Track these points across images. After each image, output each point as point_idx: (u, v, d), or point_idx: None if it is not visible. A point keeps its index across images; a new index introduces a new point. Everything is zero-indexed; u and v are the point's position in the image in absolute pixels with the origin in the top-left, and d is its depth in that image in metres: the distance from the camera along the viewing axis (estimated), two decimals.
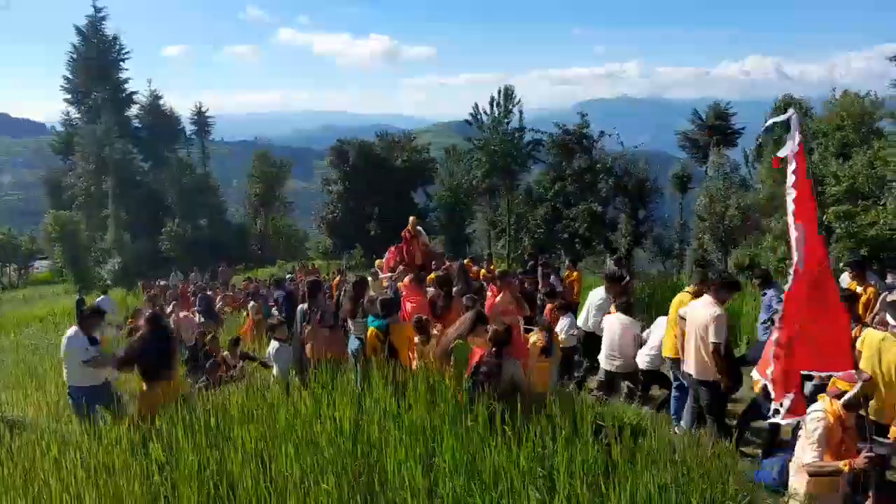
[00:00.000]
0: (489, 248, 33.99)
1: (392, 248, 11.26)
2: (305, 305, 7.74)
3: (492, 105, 29.62)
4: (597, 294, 9.36)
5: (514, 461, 4.62)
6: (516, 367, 5.80)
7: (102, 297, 19.07)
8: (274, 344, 7.65)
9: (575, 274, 12.42)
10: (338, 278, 16.43)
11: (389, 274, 10.40)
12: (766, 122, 30.42)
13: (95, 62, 49.04)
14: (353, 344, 7.19)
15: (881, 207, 17.20)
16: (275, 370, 7.44)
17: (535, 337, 7.50)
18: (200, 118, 53.27)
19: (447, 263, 10.58)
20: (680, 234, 31.81)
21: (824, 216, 19.21)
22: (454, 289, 8.22)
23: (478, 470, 4.65)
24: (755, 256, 21.60)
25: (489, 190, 33.68)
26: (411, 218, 10.24)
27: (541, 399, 5.62)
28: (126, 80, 50.83)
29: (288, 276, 20.47)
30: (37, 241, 51.60)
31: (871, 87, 22.74)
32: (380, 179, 40.67)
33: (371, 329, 6.71)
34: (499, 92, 29.69)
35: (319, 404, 5.77)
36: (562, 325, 8.88)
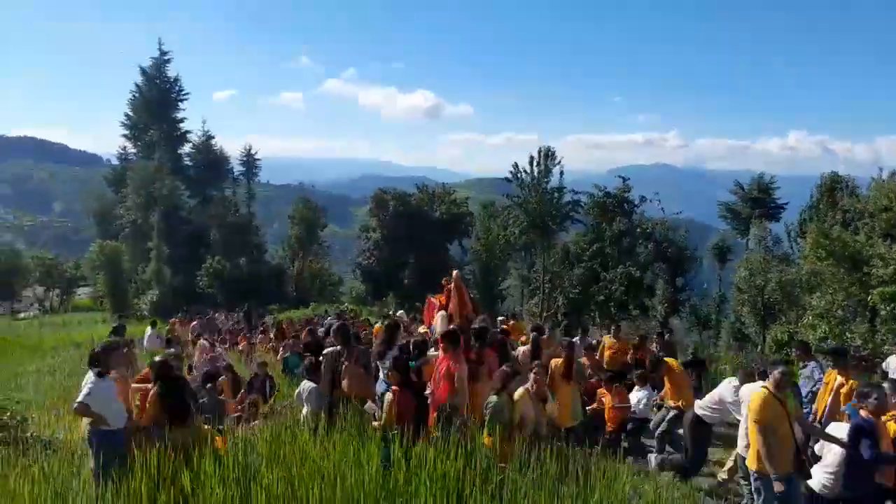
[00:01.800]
0: (521, 305, 33.84)
1: (431, 299, 10.82)
2: (335, 349, 7.72)
3: (531, 164, 29.99)
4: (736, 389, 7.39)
5: None
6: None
7: (150, 330, 18.06)
8: (307, 385, 7.67)
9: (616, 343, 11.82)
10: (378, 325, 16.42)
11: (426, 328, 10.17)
12: (811, 197, 30.34)
13: (156, 101, 51.27)
14: (381, 386, 7.19)
15: None
16: (305, 410, 7.43)
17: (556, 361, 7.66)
18: (249, 160, 54.98)
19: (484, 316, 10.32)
20: (717, 306, 31.26)
21: (869, 297, 18.72)
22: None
23: None
24: (794, 333, 21.00)
25: (525, 247, 33.77)
26: (455, 271, 10.08)
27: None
28: (182, 120, 53.01)
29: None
30: (81, 269, 53.11)
31: None
32: (417, 230, 41.09)
33: None
34: (539, 151, 30.09)
35: (348, 448, 5.74)
36: (639, 396, 9.03)
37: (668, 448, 8.91)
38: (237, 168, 55.12)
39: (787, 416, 5.76)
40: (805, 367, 8.78)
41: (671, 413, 8.79)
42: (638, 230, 28.47)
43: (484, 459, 5.35)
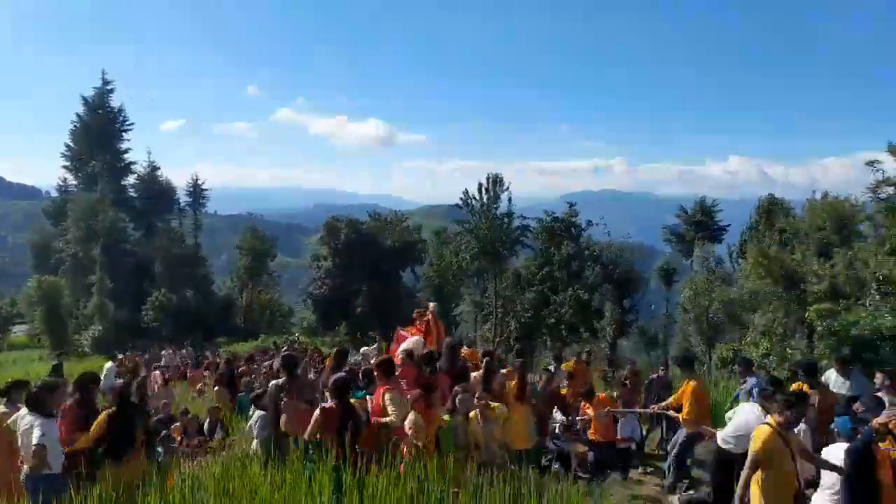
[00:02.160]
0: (475, 331, 33.94)
1: (401, 332, 10.50)
2: (281, 381, 7.63)
3: (480, 191, 30.40)
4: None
5: None
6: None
7: (110, 364, 16.75)
8: (257, 413, 7.53)
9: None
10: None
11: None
12: (750, 219, 31.46)
13: (98, 131, 50.06)
14: None
15: (861, 307, 17.43)
16: (254, 443, 7.29)
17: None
18: (196, 190, 54.03)
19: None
20: (665, 326, 31.97)
21: (807, 314, 19.43)
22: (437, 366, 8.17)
23: None
24: (738, 350, 21.65)
25: (477, 273, 34.02)
26: (432, 304, 10.01)
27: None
28: (126, 150, 51.85)
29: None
30: (17, 305, 50.91)
31: (849, 191, 23.55)
32: (369, 258, 40.91)
33: (354, 400, 6.66)
34: (487, 178, 30.52)
35: (298, 479, 5.64)
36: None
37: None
38: (184, 199, 54.11)
39: (792, 455, 5.50)
40: (745, 382, 9.03)
41: (683, 435, 8.53)
42: (586, 253, 29.05)
43: (436, 484, 5.32)
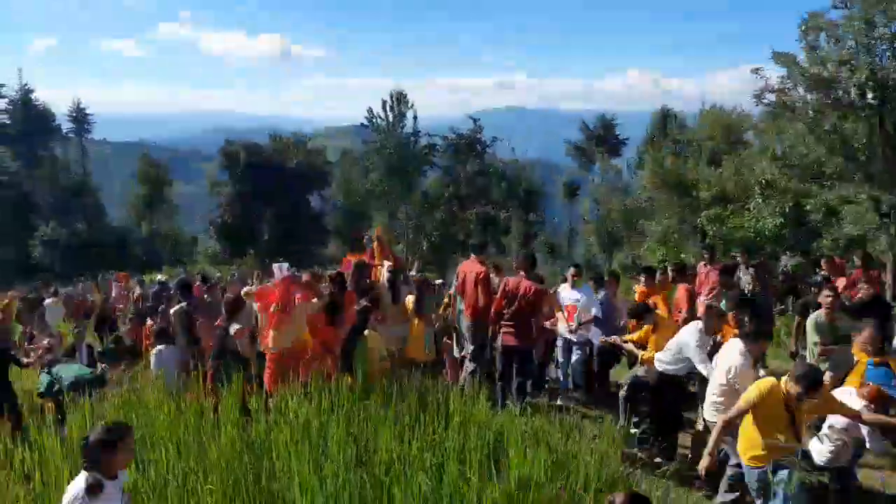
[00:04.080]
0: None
1: (348, 258, 10.04)
2: (182, 305, 7.50)
3: (385, 109, 29.77)
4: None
5: (406, 450, 4.65)
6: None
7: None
8: (158, 348, 7.31)
9: None
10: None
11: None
12: (646, 132, 32.60)
13: None
14: None
15: (747, 212, 18.65)
16: (155, 372, 7.08)
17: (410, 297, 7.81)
18: (79, 115, 49.98)
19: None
20: (568, 238, 33.13)
21: (698, 220, 20.60)
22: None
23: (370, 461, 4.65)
24: (637, 258, 22.88)
25: (386, 194, 33.78)
26: (378, 226, 9.66)
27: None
28: None
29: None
30: None
31: (739, 102, 24.67)
32: (273, 182, 39.65)
33: None
34: (391, 96, 29.87)
35: (203, 405, 5.56)
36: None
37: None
38: (67, 125, 50.03)
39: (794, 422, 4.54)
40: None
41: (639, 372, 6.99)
42: (491, 170, 29.35)
43: (344, 399, 5.38)
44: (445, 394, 5.71)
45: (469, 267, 7.43)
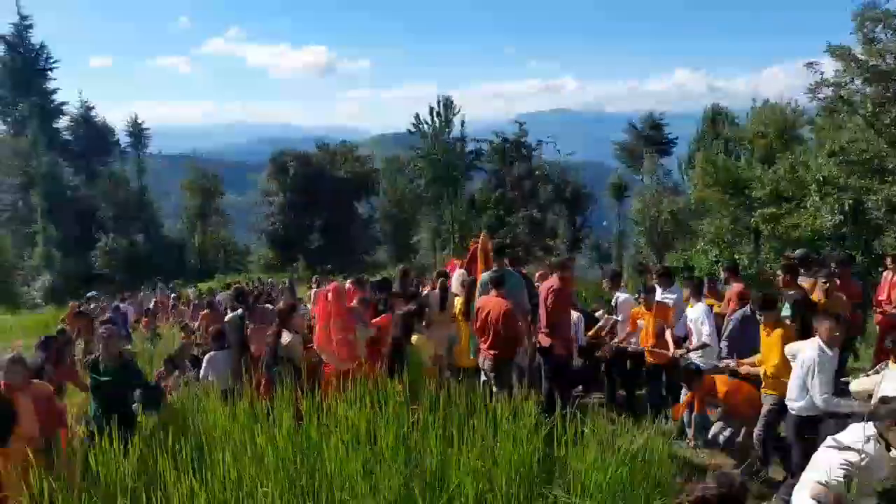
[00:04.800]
0: (434, 257, 34.14)
1: (454, 261, 10.28)
2: (237, 312, 7.68)
3: (432, 115, 29.95)
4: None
5: (455, 458, 4.65)
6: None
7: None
8: (209, 355, 7.51)
9: None
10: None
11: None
12: (696, 130, 31.92)
13: (21, 72, 47.09)
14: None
15: (803, 210, 18.06)
16: (210, 378, 7.26)
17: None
18: (136, 130, 51.71)
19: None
20: (617, 240, 32.66)
21: (751, 219, 20.04)
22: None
23: (419, 467, 4.67)
24: (689, 260, 22.36)
25: (433, 199, 33.96)
26: (483, 233, 9.73)
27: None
28: (54, 91, 49.00)
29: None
30: None
31: (793, 97, 23.93)
32: (321, 191, 40.33)
33: None
34: (438, 102, 30.04)
35: (256, 410, 5.67)
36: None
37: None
38: (124, 139, 51.89)
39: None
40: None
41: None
42: (537, 173, 29.18)
43: (395, 404, 5.41)
44: (494, 399, 5.69)
45: (492, 303, 6.76)
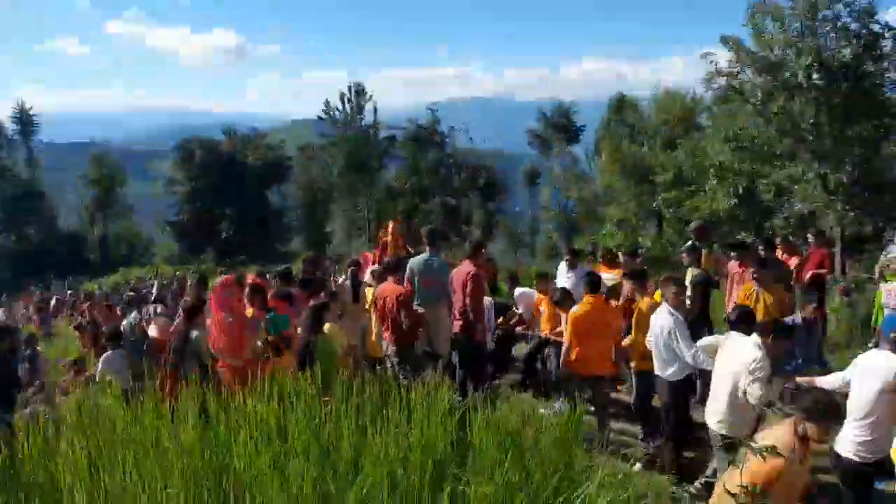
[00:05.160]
0: (350, 247, 33.76)
1: (367, 254, 10.16)
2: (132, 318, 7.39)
3: (343, 101, 29.50)
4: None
5: (369, 447, 4.61)
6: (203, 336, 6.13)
7: None
8: (106, 354, 7.15)
9: None
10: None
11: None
12: (603, 119, 32.89)
13: None
14: None
15: (703, 193, 18.99)
16: (108, 378, 6.89)
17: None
18: (24, 117, 48.29)
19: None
20: (530, 226, 33.35)
21: (654, 203, 20.94)
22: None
23: (332, 459, 4.60)
24: (596, 243, 23.13)
25: (348, 188, 33.52)
26: (391, 222, 9.41)
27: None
28: None
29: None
30: None
31: (693, 86, 25.08)
32: (230, 179, 38.98)
33: None
34: (349, 88, 29.63)
35: (161, 409, 5.43)
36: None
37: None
38: (11, 128, 48.33)
39: None
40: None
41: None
42: (451, 160, 29.33)
43: (306, 397, 5.31)
44: (407, 387, 5.68)
45: (389, 289, 6.79)
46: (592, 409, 6.48)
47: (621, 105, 31.16)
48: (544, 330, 7.77)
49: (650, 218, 22.57)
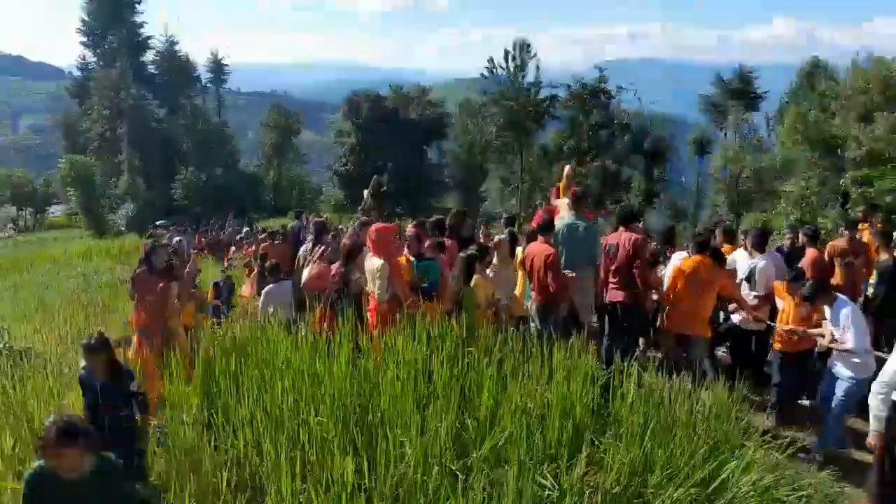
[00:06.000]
0: (500, 206, 33.84)
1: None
2: (308, 245, 7.80)
3: (507, 58, 29.14)
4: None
5: (507, 397, 4.64)
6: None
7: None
8: (268, 287, 7.69)
9: None
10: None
11: None
12: (791, 85, 29.96)
13: (110, 3, 48.47)
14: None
15: None
16: (270, 309, 7.43)
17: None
18: (217, 66, 52.87)
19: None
20: (695, 198, 31.46)
21: (842, 181, 18.86)
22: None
23: (472, 406, 4.68)
24: (767, 221, 21.29)
25: (504, 147, 33.37)
26: (568, 167, 8.91)
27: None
28: (141, 24, 50.34)
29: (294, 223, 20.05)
30: (52, 186, 51.81)
31: None
32: (393, 133, 40.29)
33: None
34: (514, 45, 29.18)
35: (317, 342, 5.79)
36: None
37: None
38: (205, 76, 53.18)
39: None
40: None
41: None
42: (615, 122, 28.09)
43: (451, 343, 5.42)
44: (550, 346, 5.61)
45: (537, 249, 6.76)
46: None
47: (814, 70, 28.16)
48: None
49: (833, 198, 20.36)
